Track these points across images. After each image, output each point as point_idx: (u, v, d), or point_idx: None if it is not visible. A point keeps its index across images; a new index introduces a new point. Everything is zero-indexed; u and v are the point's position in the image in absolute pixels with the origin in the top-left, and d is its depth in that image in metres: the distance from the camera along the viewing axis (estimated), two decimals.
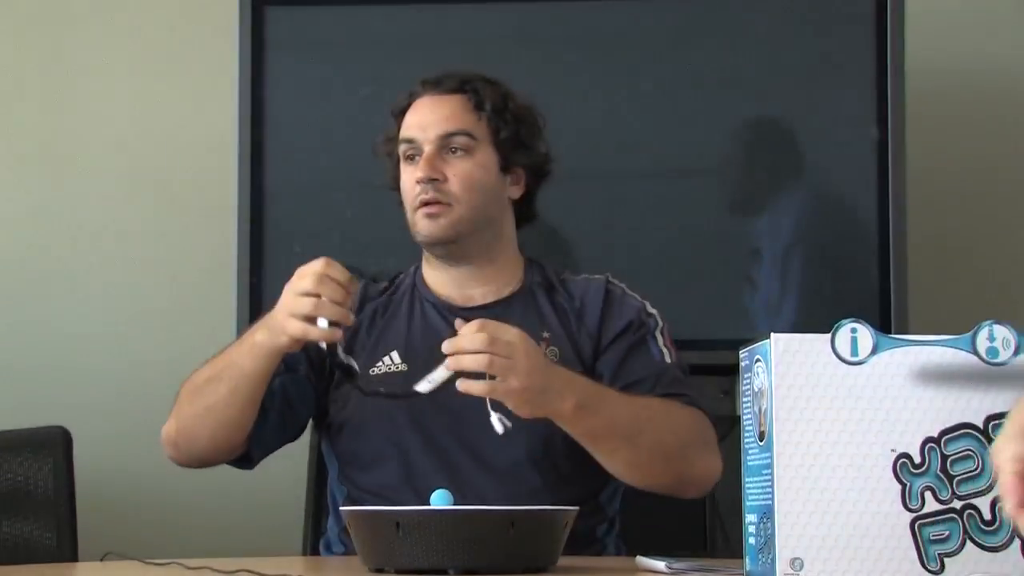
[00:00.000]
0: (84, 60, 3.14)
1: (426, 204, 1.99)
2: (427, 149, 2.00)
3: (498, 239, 2.06)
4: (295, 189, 2.78)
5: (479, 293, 2.05)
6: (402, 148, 2.03)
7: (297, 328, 1.82)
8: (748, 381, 1.37)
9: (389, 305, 2.08)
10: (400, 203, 2.06)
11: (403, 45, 2.80)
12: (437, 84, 2.04)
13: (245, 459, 2.01)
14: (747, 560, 1.38)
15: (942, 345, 1.32)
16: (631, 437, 1.88)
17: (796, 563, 1.29)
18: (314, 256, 1.87)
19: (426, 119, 2.01)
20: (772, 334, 1.32)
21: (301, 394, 2.02)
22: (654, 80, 2.75)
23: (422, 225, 2.00)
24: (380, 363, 2.01)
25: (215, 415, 1.93)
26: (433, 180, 1.98)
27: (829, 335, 1.32)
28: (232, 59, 2.79)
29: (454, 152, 2.00)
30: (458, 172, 1.99)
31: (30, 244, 3.11)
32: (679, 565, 1.50)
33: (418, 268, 2.11)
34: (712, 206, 2.73)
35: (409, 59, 2.74)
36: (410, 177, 2.01)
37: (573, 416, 1.84)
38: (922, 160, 2.79)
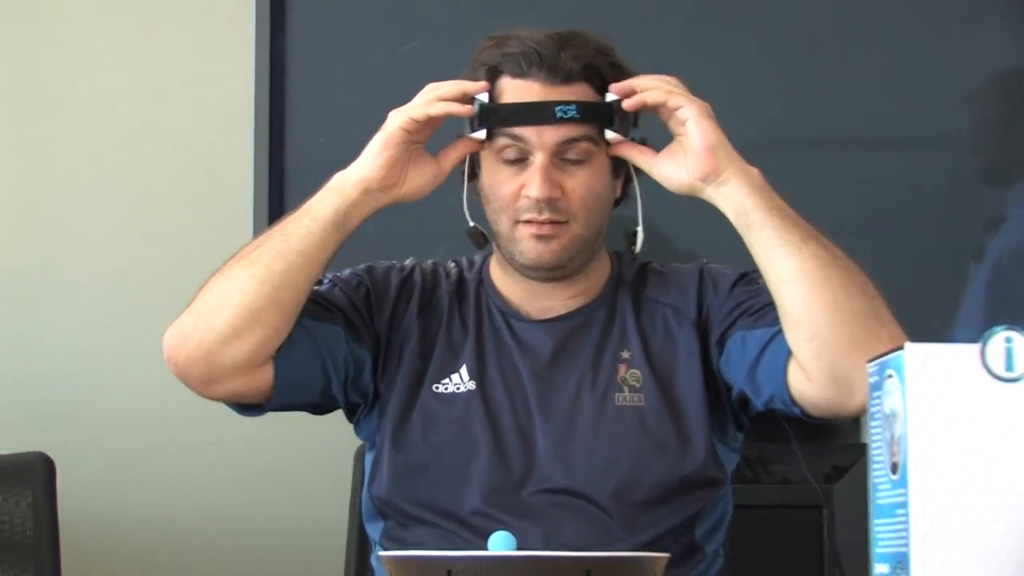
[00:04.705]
0: (66, 10, 3.17)
1: (535, 222, 1.98)
2: (540, 158, 1.97)
3: (599, 249, 2.08)
4: (321, 166, 2.78)
5: (560, 303, 2.07)
6: (500, 142, 1.99)
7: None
8: (878, 401, 1.37)
9: (462, 303, 2.10)
10: (476, 192, 2.05)
11: None
12: (553, 68, 1.97)
13: (257, 404, 2.02)
14: None
15: None
16: (820, 239, 1.93)
17: None
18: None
19: None
20: (907, 344, 1.32)
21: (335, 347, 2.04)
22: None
23: (528, 247, 2.00)
24: (448, 380, 2.04)
25: (245, 293, 1.95)
26: (551, 199, 1.98)
27: (978, 345, 1.31)
28: (247, 10, 2.81)
29: (572, 160, 1.99)
30: (577, 185, 1.98)
31: (6, 239, 3.15)
32: None
33: (485, 262, 2.12)
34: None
35: (463, 6, 2.75)
36: (511, 182, 1.99)
37: (762, 183, 1.95)
38: None
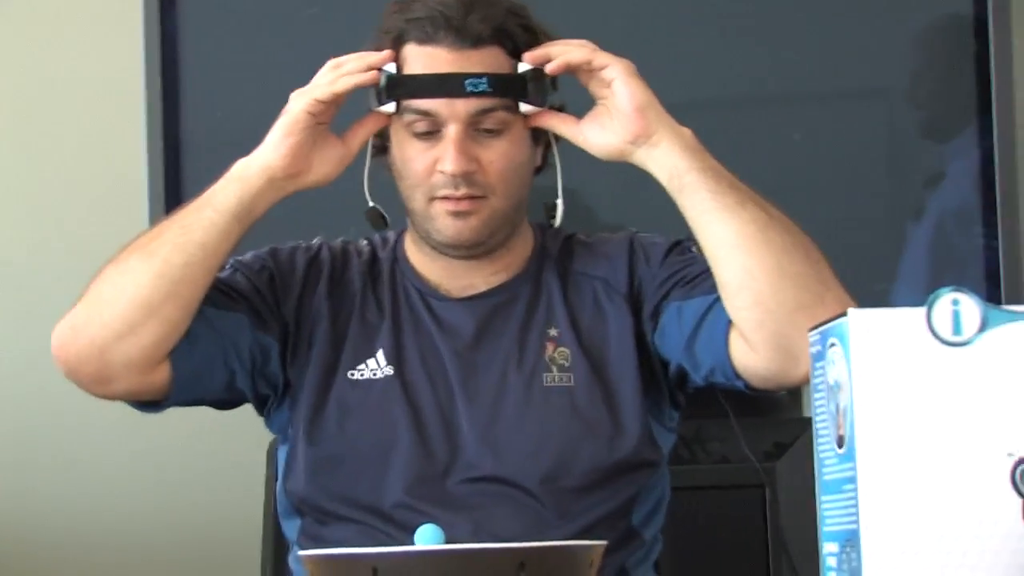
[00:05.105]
0: None
1: (451, 198, 1.97)
2: (454, 130, 1.95)
3: (521, 221, 2.08)
4: (220, 144, 2.77)
5: (481, 280, 2.07)
6: (410, 117, 1.98)
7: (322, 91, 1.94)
8: (821, 372, 1.37)
9: (376, 284, 2.08)
10: (387, 167, 2.04)
11: None
12: (461, 31, 1.95)
13: (156, 400, 2.00)
14: None
15: None
16: (758, 200, 1.93)
17: None
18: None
19: None
20: (850, 310, 1.32)
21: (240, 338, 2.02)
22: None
23: (445, 224, 1.99)
24: (363, 365, 2.03)
25: (141, 287, 1.92)
26: (468, 174, 1.96)
27: (924, 309, 1.32)
28: None
29: (488, 131, 1.97)
30: (495, 157, 1.97)
31: None
32: None
33: (399, 239, 2.11)
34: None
35: None
36: (424, 156, 1.97)
37: (695, 144, 1.94)
38: None
